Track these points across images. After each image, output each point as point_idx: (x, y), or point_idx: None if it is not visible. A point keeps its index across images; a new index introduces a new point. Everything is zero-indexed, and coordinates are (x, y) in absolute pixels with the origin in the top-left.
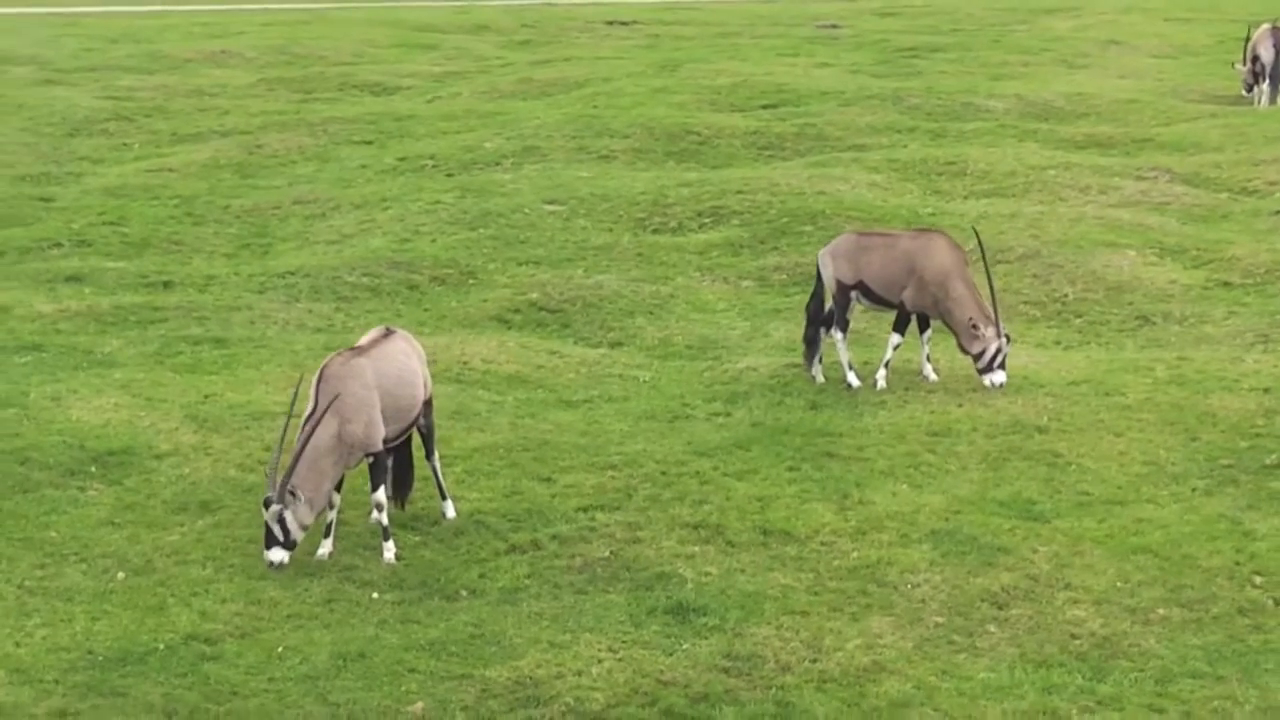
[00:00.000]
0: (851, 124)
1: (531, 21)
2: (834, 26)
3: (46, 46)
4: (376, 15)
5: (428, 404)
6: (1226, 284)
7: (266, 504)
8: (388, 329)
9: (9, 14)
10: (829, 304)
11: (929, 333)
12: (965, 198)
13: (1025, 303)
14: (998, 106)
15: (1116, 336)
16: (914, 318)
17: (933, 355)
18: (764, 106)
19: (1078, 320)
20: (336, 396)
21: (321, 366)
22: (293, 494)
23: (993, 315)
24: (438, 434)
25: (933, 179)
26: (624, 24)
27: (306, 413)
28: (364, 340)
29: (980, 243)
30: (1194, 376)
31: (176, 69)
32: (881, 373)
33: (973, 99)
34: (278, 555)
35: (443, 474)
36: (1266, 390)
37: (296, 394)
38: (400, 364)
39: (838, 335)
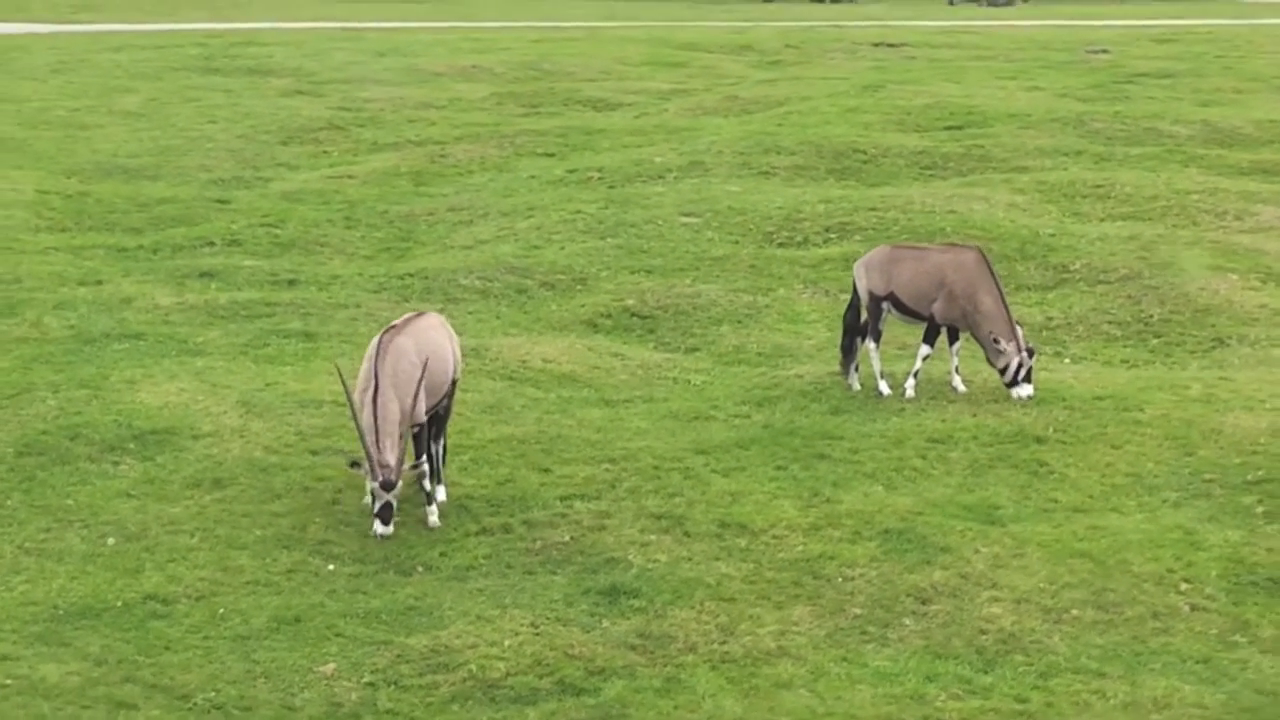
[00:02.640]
0: (1021, 146)
1: (797, 43)
2: (1103, 52)
3: (315, 59)
4: (649, 34)
5: (454, 384)
6: None
7: (388, 486)
8: (420, 312)
9: (301, 28)
10: (865, 315)
11: (959, 344)
12: (1101, 220)
13: (1109, 322)
14: (1180, 132)
15: (1185, 357)
16: (944, 330)
17: (961, 367)
18: (947, 128)
19: (1155, 340)
20: (394, 372)
21: (376, 344)
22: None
23: (1016, 331)
24: (456, 422)
25: (1076, 201)
26: (891, 46)
27: (370, 389)
28: (398, 321)
29: (986, 258)
30: (1224, 396)
31: (425, 82)
32: (910, 382)
33: (1158, 124)
34: (393, 529)
35: (445, 460)
36: None
37: None
38: (436, 340)
39: (870, 345)
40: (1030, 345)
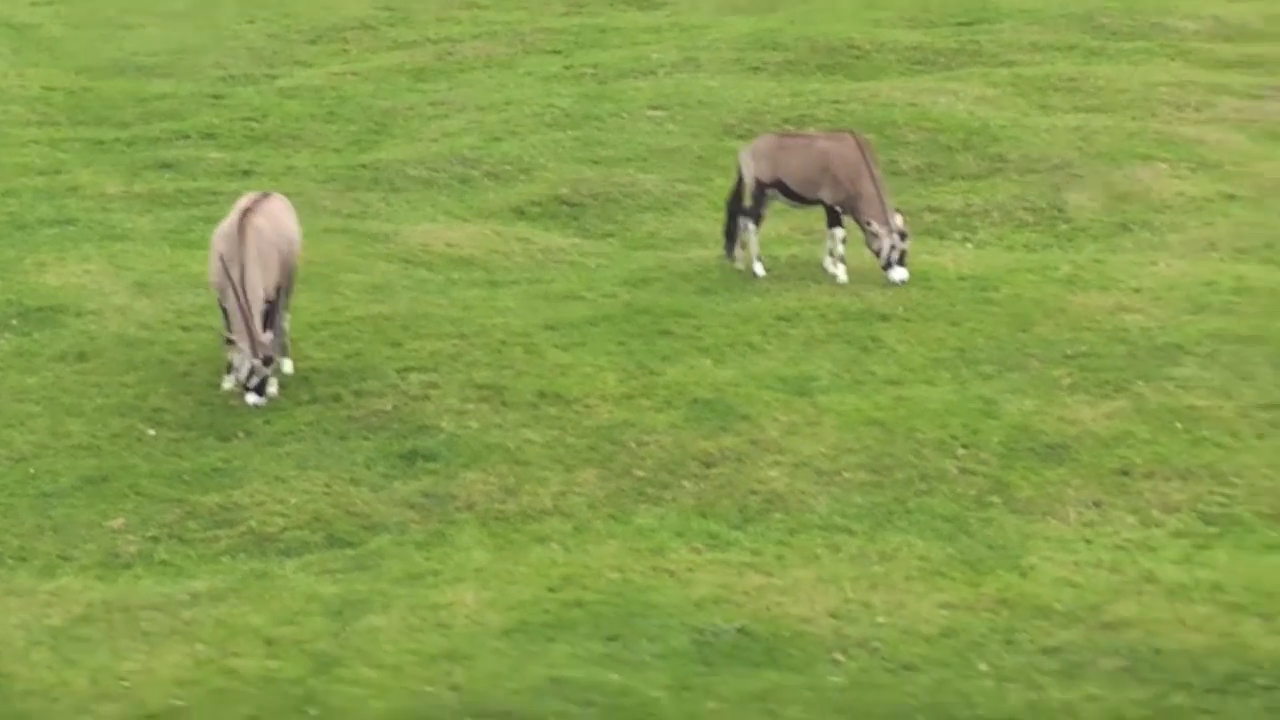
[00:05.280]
0: (1017, 41)
1: None
2: None
3: None
4: None
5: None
6: (1231, 197)
7: (269, 361)
8: (265, 193)
9: None
10: (748, 199)
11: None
12: (1065, 113)
13: (1025, 209)
14: (1186, 26)
15: (1086, 241)
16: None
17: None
18: (956, 24)
19: (1064, 226)
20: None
21: (236, 226)
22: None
23: (890, 215)
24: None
25: (1047, 94)
26: None
27: (236, 276)
28: (245, 202)
29: (861, 143)
30: (1088, 277)
31: None
32: (831, 263)
33: (1167, 19)
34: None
35: (289, 333)
36: (1136, 290)
37: None
38: (286, 221)
39: (750, 227)
40: (904, 229)
